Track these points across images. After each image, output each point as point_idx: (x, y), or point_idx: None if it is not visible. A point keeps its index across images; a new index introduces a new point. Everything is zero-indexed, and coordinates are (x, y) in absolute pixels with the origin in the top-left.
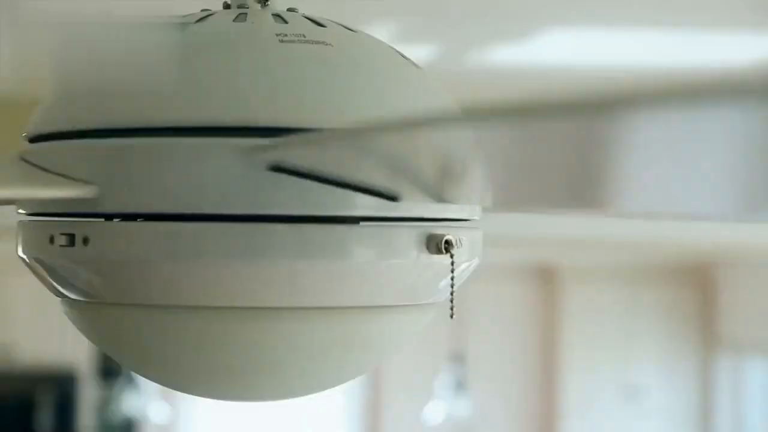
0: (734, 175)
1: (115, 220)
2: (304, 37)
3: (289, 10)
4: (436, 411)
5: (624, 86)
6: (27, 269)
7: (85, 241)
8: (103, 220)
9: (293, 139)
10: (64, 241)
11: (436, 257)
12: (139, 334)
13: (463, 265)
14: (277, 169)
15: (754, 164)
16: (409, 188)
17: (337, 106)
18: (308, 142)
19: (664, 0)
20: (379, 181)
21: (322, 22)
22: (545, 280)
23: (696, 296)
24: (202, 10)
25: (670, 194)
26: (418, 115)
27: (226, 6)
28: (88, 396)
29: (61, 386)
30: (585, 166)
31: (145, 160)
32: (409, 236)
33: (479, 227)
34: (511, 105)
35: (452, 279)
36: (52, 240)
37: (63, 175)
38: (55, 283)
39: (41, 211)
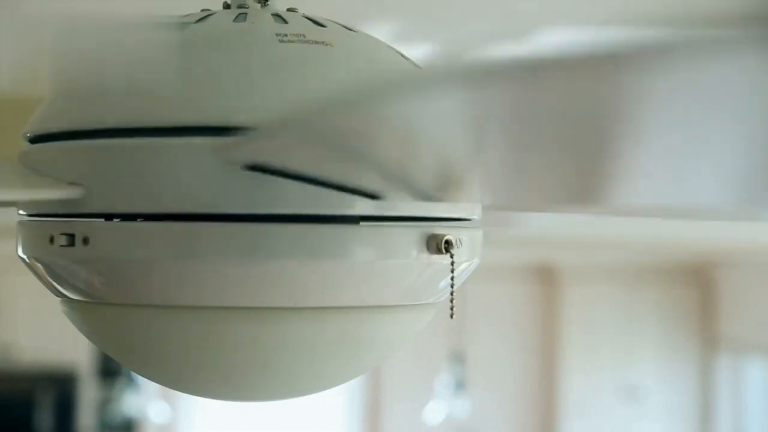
0: (736, 169)
1: (115, 220)
2: (304, 37)
3: (289, 10)
4: (436, 411)
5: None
6: (27, 269)
7: (85, 241)
8: (103, 220)
9: (254, 136)
10: (64, 241)
11: (436, 257)
12: (139, 334)
13: (463, 265)
14: (253, 168)
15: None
16: (397, 187)
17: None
18: (270, 138)
19: (664, 0)
20: (360, 179)
21: (322, 22)
22: (545, 280)
23: (696, 296)
24: (202, 10)
25: (673, 190)
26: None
27: (226, 6)
28: (88, 396)
29: (61, 386)
30: (584, 164)
31: (144, 160)
32: (409, 236)
33: (479, 227)
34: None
35: (452, 279)
36: (52, 240)
37: (64, 176)
38: (55, 283)
39: (41, 211)
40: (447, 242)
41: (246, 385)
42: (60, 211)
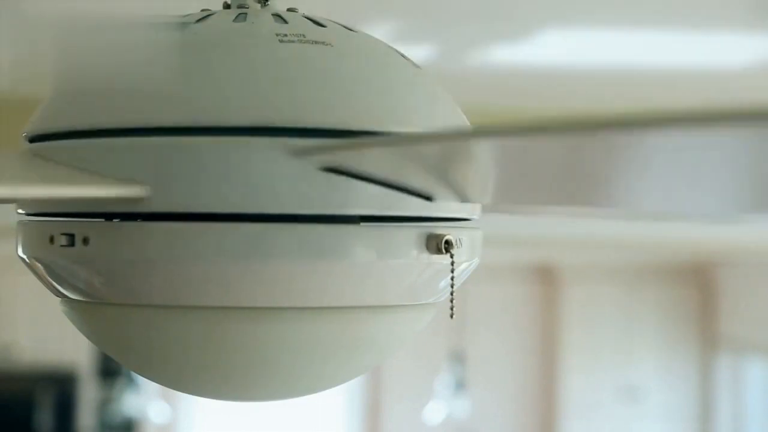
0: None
1: (115, 220)
2: (304, 37)
3: (289, 10)
4: (436, 411)
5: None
6: (27, 269)
7: (85, 241)
8: (103, 220)
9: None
10: (64, 241)
11: (436, 257)
12: (139, 334)
13: (463, 265)
14: (329, 170)
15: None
16: (441, 189)
17: (337, 107)
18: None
19: (663, 0)
20: (418, 183)
21: (322, 22)
22: (545, 280)
23: (696, 296)
24: (202, 10)
25: (671, 194)
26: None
27: (226, 6)
28: (88, 396)
29: (61, 386)
30: (585, 164)
31: (143, 160)
32: (409, 236)
33: (479, 227)
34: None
35: (452, 279)
36: (52, 240)
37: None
38: (55, 283)
39: (41, 211)
40: (447, 242)
41: (246, 385)
42: (60, 211)
